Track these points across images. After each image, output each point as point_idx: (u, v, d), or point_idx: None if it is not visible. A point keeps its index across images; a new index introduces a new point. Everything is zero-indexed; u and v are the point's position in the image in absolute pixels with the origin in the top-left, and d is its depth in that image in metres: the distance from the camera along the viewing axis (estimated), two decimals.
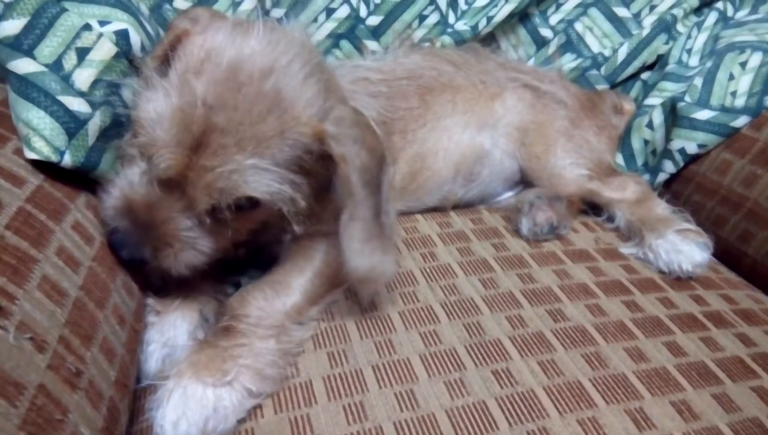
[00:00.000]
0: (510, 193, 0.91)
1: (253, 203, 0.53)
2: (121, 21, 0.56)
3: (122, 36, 0.56)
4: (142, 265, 0.55)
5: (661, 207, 0.84)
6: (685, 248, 0.75)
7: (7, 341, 0.38)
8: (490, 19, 0.99)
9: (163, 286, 0.60)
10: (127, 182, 0.54)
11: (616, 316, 0.66)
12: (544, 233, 0.78)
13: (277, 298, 0.59)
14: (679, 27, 1.02)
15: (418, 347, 0.60)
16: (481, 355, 0.59)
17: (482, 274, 0.72)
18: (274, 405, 0.53)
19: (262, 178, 0.52)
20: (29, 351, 0.39)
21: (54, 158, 0.51)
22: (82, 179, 0.55)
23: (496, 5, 1.00)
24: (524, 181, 0.90)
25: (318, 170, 0.57)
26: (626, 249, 0.80)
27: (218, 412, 0.50)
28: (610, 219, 0.87)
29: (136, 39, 0.58)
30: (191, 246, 0.55)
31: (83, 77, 0.53)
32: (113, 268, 0.53)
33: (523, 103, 0.90)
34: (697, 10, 1.04)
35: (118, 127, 0.57)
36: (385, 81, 0.83)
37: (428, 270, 0.72)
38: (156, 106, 0.51)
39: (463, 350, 0.60)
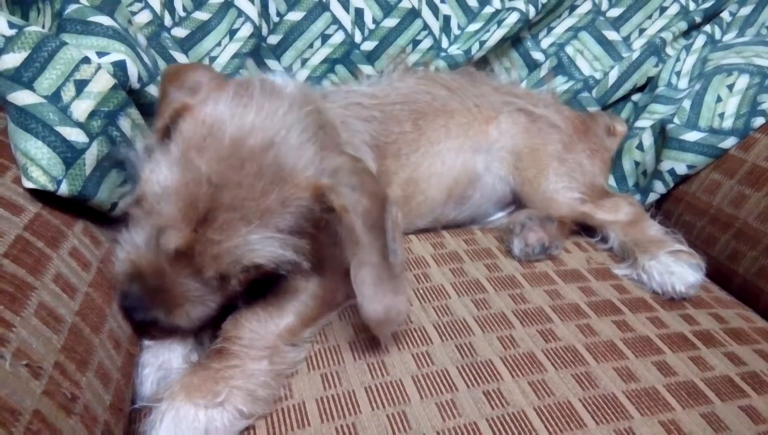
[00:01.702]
0: (501, 214, 0.93)
1: (257, 267, 0.55)
2: (118, 52, 0.58)
3: (119, 67, 0.58)
4: (153, 324, 0.57)
5: (653, 228, 0.85)
6: (677, 269, 0.76)
7: (4, 368, 0.39)
8: (482, 43, 1.01)
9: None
10: (134, 247, 0.56)
11: (606, 336, 0.67)
12: (536, 254, 0.79)
13: (270, 320, 0.60)
14: (668, 50, 1.04)
15: (411, 368, 0.61)
16: (473, 375, 0.60)
17: (475, 294, 0.73)
18: (267, 427, 0.54)
19: (266, 247, 0.55)
20: (25, 377, 0.40)
21: (51, 187, 0.52)
22: (80, 206, 0.57)
23: (488, 30, 1.02)
24: (516, 203, 0.92)
25: (322, 225, 0.59)
26: (620, 270, 0.81)
27: (209, 434, 0.51)
28: (604, 240, 0.88)
29: (133, 70, 0.59)
30: (200, 303, 0.57)
31: (81, 108, 0.55)
32: (109, 293, 0.55)
33: (518, 127, 0.92)
34: (686, 34, 1.06)
35: (114, 158, 0.58)
36: (378, 105, 0.85)
37: (422, 291, 0.73)
38: (160, 180, 0.53)
39: (455, 371, 0.60)
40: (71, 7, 0.57)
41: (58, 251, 0.50)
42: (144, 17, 0.83)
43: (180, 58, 0.85)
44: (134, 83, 0.59)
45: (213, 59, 0.88)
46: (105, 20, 0.58)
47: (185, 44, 0.87)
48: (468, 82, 0.96)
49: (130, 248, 0.56)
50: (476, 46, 1.01)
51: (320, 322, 0.66)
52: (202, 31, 0.89)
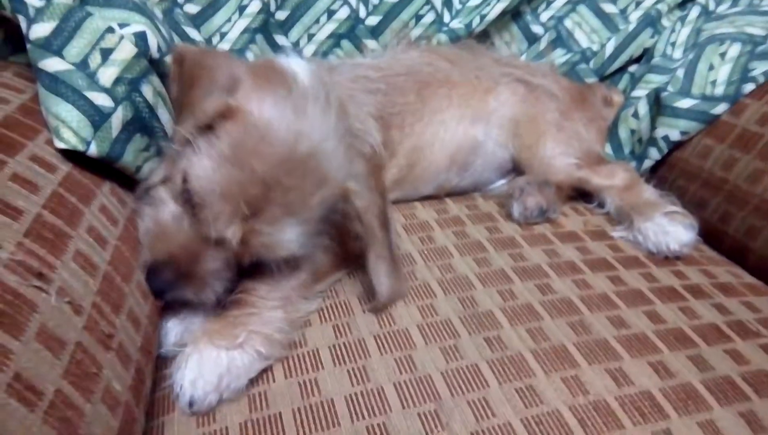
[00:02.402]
0: (502, 181, 0.96)
1: (291, 254, 0.62)
2: (139, 23, 0.62)
3: (141, 37, 0.61)
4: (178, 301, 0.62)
5: (648, 192, 0.89)
6: (671, 229, 0.80)
7: (50, 303, 0.43)
8: (483, 17, 1.04)
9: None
10: (165, 229, 0.61)
11: (600, 289, 0.71)
12: (534, 217, 0.83)
13: (286, 275, 0.64)
14: (664, 21, 1.07)
15: (416, 318, 0.65)
16: (474, 324, 0.64)
17: (476, 254, 0.77)
18: (284, 370, 0.58)
19: (303, 238, 0.61)
20: (68, 313, 0.44)
21: (81, 147, 0.56)
22: (106, 169, 0.61)
23: (488, 4, 1.05)
24: (516, 170, 0.95)
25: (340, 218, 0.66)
26: (617, 233, 0.85)
27: (231, 372, 0.56)
28: (600, 205, 0.92)
29: (153, 41, 0.63)
30: (224, 280, 0.62)
31: (107, 75, 0.58)
32: (136, 248, 0.59)
33: (516, 96, 0.95)
34: (681, 5, 1.09)
35: (140, 121, 0.62)
36: (383, 78, 0.89)
37: (426, 252, 0.77)
38: (212, 177, 0.57)
39: (457, 320, 0.64)
40: None
41: (89, 207, 0.54)
42: None
43: (192, 33, 0.88)
44: (154, 53, 0.63)
45: (223, 35, 0.92)
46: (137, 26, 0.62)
47: (197, 20, 0.90)
48: (469, 54, 1.00)
49: (159, 230, 0.61)
50: (477, 19, 1.04)
51: (331, 278, 0.70)
52: (213, 7, 0.92)
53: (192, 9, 0.90)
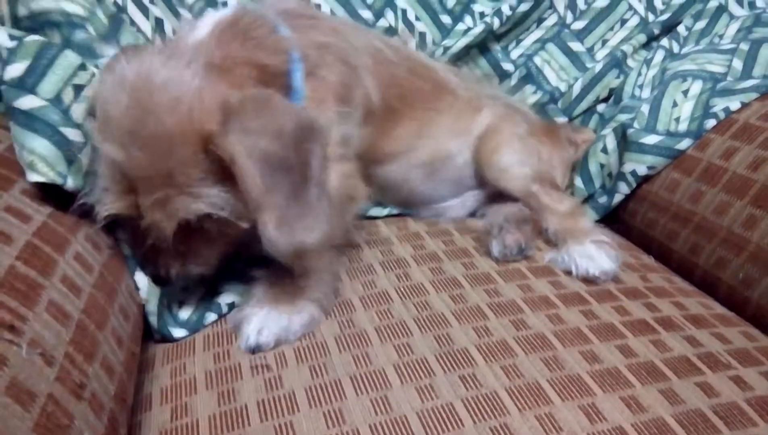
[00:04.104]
0: (456, 200, 1.00)
1: (206, 216, 0.61)
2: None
3: None
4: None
5: (587, 221, 0.92)
6: (597, 256, 0.83)
7: (21, 356, 0.43)
8: (447, 49, 1.08)
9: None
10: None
11: (573, 324, 0.72)
12: (514, 254, 0.85)
13: None
14: (630, 62, 1.11)
15: (393, 358, 0.65)
16: (450, 362, 0.64)
17: (452, 290, 0.78)
18: (260, 413, 0.58)
19: (192, 201, 0.59)
20: (39, 365, 0.44)
21: (59, 181, 0.57)
22: (82, 216, 0.61)
23: (451, 37, 1.09)
24: (474, 186, 1.00)
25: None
26: (547, 256, 0.87)
27: (289, 330, 0.67)
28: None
29: None
30: (195, 257, 0.66)
31: (79, 111, 0.60)
32: (111, 294, 0.59)
33: (495, 115, 1.00)
34: (646, 45, 1.14)
35: None
36: (405, 60, 0.94)
37: (402, 289, 0.78)
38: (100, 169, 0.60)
39: (433, 359, 0.65)
40: (78, 36, 0.63)
41: (63, 256, 0.54)
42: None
43: None
44: None
45: None
46: (109, 51, 0.63)
47: None
48: (468, 75, 1.08)
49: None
50: (440, 51, 1.08)
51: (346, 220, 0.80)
52: None
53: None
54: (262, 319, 0.66)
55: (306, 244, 0.61)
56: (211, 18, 0.71)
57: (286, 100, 0.68)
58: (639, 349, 0.68)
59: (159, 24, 0.90)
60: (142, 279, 0.66)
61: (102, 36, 0.67)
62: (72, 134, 0.58)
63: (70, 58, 0.59)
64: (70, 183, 0.57)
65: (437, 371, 0.63)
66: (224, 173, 0.58)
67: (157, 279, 0.65)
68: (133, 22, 0.86)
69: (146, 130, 0.57)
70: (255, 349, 0.65)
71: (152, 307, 0.68)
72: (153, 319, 0.68)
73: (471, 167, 0.99)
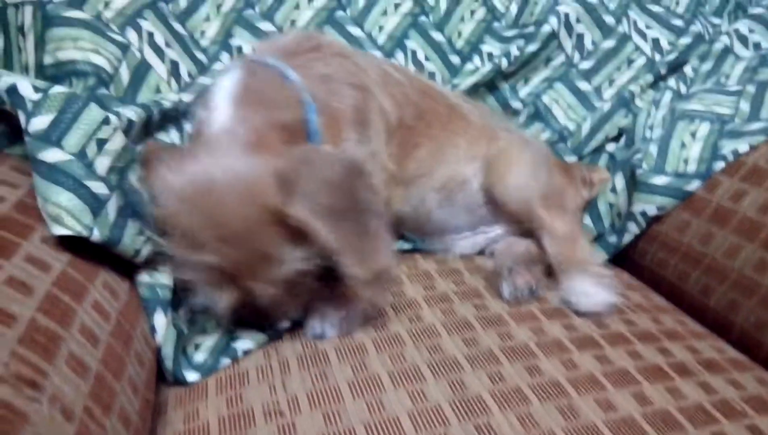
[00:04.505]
0: (468, 233, 1.00)
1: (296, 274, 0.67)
2: (130, 110, 0.65)
3: (131, 125, 0.64)
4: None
5: (584, 250, 0.92)
6: (592, 291, 0.83)
7: (42, 413, 0.43)
8: (455, 87, 1.09)
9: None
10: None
11: (587, 369, 0.72)
12: (525, 296, 0.85)
13: None
14: (638, 102, 1.13)
15: (407, 405, 0.65)
16: (464, 410, 0.64)
17: (464, 333, 0.78)
18: None
19: (287, 265, 0.66)
20: (59, 420, 0.44)
21: (86, 233, 0.57)
22: (100, 261, 0.62)
23: (460, 78, 1.11)
24: (487, 220, 1.00)
25: None
26: (555, 298, 0.87)
27: (350, 320, 0.75)
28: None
29: (136, 128, 0.66)
30: (294, 304, 0.73)
31: (103, 164, 0.61)
32: (128, 342, 0.59)
33: (510, 144, 1.00)
34: (653, 85, 1.15)
35: (131, 206, 0.65)
36: (416, 82, 0.95)
37: (414, 332, 0.78)
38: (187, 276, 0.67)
39: (447, 406, 0.65)
40: (101, 91, 0.64)
41: (82, 305, 0.55)
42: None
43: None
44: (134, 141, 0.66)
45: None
46: (126, 112, 0.65)
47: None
48: (479, 105, 1.09)
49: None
50: (449, 87, 1.09)
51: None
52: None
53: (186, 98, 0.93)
54: (324, 311, 0.73)
55: (384, 268, 0.69)
56: (224, 92, 0.73)
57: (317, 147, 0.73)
58: (654, 396, 0.68)
59: (174, 66, 0.91)
60: (161, 321, 0.66)
61: (120, 98, 0.69)
62: (96, 187, 0.59)
63: (94, 113, 0.60)
64: (97, 235, 0.58)
65: (452, 420, 0.63)
66: (301, 232, 0.64)
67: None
68: (149, 66, 0.88)
69: (226, 229, 0.63)
70: (320, 337, 0.73)
71: (168, 350, 0.68)
72: (168, 363, 0.68)
73: (485, 194, 0.99)
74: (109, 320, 0.58)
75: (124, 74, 0.73)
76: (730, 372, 0.75)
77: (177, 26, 0.95)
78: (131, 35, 0.86)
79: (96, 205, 0.58)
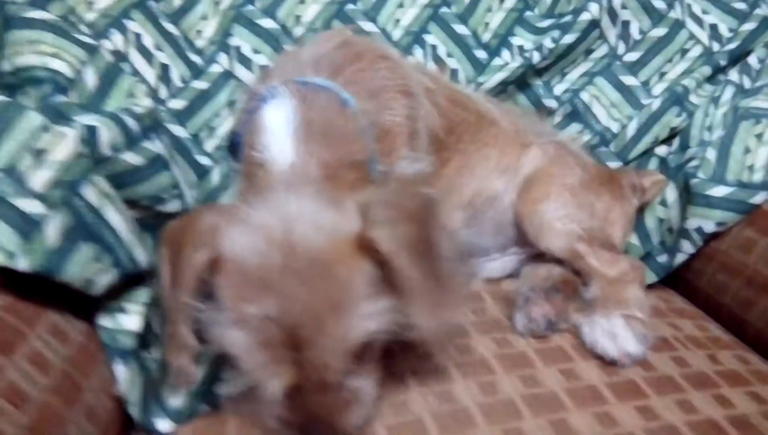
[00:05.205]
0: (497, 255, 0.90)
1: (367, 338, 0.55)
2: (91, 117, 0.57)
3: (91, 132, 0.56)
4: None
5: (635, 290, 0.77)
6: (622, 334, 0.70)
7: None
8: (479, 85, 0.98)
9: None
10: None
11: (629, 427, 0.59)
12: (542, 330, 0.73)
13: None
14: (693, 99, 0.98)
15: None
16: None
17: (481, 377, 0.67)
18: None
19: (349, 325, 0.54)
20: None
21: (7, 262, 0.49)
22: (49, 299, 0.54)
23: (486, 73, 0.99)
24: (518, 243, 0.88)
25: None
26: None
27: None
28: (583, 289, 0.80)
29: (105, 136, 0.57)
30: (362, 397, 0.58)
31: (41, 178, 0.52)
32: (73, 397, 0.51)
33: (546, 156, 0.89)
34: (711, 79, 1.00)
35: (84, 228, 0.55)
36: (445, 89, 0.85)
37: (422, 374, 0.68)
38: (241, 343, 0.53)
39: None
40: (57, 99, 0.57)
41: (12, 357, 0.47)
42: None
43: (175, 129, 0.83)
44: (105, 150, 0.57)
45: (212, 130, 0.86)
46: (85, 119, 0.56)
47: (182, 116, 0.84)
48: (513, 109, 0.98)
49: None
50: (472, 87, 0.98)
51: None
52: (201, 100, 0.87)
53: (177, 105, 0.85)
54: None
55: (454, 322, 0.62)
56: (281, 126, 0.67)
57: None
58: None
59: (165, 70, 0.83)
60: (122, 372, 0.58)
61: (83, 106, 0.60)
62: (28, 205, 0.50)
63: (31, 120, 0.52)
64: (23, 263, 0.49)
65: None
66: (378, 279, 0.56)
67: None
68: (136, 72, 0.80)
69: (300, 261, 0.53)
70: None
71: (134, 398, 0.59)
72: (135, 411, 0.60)
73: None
74: (48, 373, 0.50)
75: (90, 79, 0.65)
76: None
77: (169, 26, 0.87)
78: (116, 38, 0.79)
79: (26, 226, 0.50)
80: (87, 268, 0.54)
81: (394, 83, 0.75)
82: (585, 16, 1.00)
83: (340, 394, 0.56)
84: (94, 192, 0.55)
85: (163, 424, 0.62)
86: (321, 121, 0.68)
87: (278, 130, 0.67)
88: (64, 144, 0.53)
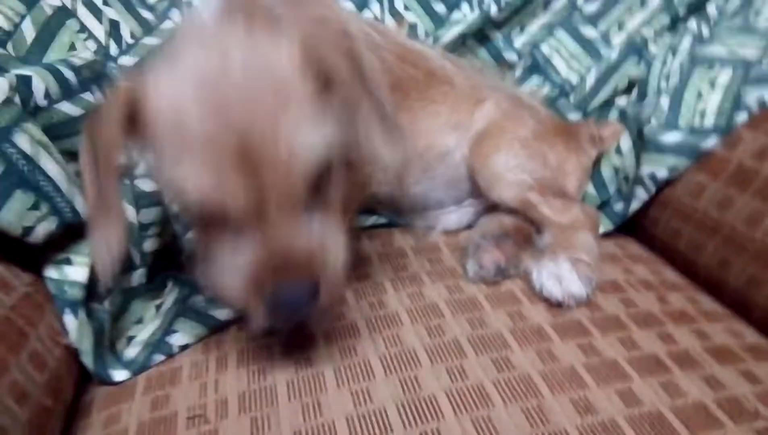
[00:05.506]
0: (453, 208, 0.90)
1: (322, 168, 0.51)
2: (28, 69, 0.56)
3: (24, 82, 0.55)
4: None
5: (586, 236, 0.78)
6: (566, 277, 0.70)
7: None
8: (436, 39, 0.97)
9: None
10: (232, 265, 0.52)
11: (567, 362, 0.61)
12: (492, 276, 0.74)
13: None
14: (652, 48, 0.98)
15: (348, 409, 0.56)
16: (412, 415, 0.55)
17: (430, 320, 0.68)
18: None
19: (307, 136, 0.49)
20: None
21: None
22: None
23: (443, 26, 0.98)
24: (472, 195, 0.89)
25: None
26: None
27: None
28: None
29: (40, 87, 0.57)
30: (333, 250, 0.54)
31: None
32: (17, 344, 0.52)
33: (499, 110, 0.89)
34: (670, 28, 1.00)
35: (18, 175, 0.54)
36: (394, 45, 0.84)
37: (374, 320, 0.69)
38: (190, 177, 0.48)
39: (393, 410, 0.56)
40: None
41: None
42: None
43: None
44: (40, 100, 0.57)
45: None
46: (24, 71, 0.56)
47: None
48: (469, 63, 0.97)
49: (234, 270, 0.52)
50: (430, 41, 0.97)
51: None
52: (153, 56, 0.86)
53: (129, 61, 0.84)
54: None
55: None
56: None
57: None
58: (645, 395, 0.57)
59: (114, 26, 0.82)
60: (71, 322, 0.59)
61: (21, 58, 0.60)
62: None
63: None
64: None
65: (396, 426, 0.54)
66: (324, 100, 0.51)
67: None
68: (84, 27, 0.79)
69: (242, 80, 0.48)
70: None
71: (86, 346, 0.61)
72: (87, 360, 0.61)
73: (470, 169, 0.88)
74: None
75: (28, 31, 0.64)
76: (745, 361, 0.63)
77: None
78: None
79: None
80: (24, 217, 0.54)
81: (337, 23, 0.72)
82: None
83: (306, 228, 0.51)
84: (27, 139, 0.55)
85: (119, 374, 0.63)
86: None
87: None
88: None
